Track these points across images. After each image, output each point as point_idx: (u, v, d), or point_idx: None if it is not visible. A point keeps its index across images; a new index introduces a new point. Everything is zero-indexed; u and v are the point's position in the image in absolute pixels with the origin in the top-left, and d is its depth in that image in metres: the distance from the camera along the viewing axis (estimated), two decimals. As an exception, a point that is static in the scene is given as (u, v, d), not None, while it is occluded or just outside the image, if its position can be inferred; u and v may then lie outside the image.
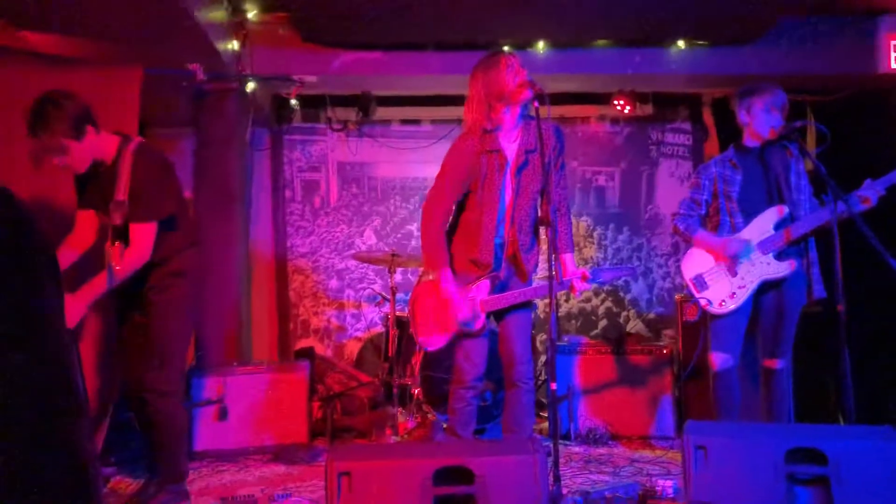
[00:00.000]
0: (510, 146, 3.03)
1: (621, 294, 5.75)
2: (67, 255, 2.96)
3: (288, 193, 5.67)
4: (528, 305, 3.14)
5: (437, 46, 4.71)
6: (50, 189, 3.37)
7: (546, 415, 4.48)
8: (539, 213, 3.13)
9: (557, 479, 2.58)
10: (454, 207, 3.10)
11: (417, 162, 5.64)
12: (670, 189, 5.73)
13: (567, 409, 4.23)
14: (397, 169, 5.70)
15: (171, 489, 3.02)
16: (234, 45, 4.53)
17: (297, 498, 3.01)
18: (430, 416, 4.25)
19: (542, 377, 4.79)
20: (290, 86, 4.73)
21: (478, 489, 2.26)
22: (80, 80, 3.20)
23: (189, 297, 3.07)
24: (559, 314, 5.60)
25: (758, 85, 3.37)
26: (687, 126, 5.78)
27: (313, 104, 5.48)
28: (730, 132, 4.61)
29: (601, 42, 4.77)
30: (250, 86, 4.66)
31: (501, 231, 3.08)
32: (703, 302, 3.36)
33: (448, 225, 3.11)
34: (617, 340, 4.50)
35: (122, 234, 2.83)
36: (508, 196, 3.05)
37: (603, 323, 5.72)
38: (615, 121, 5.76)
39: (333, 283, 5.65)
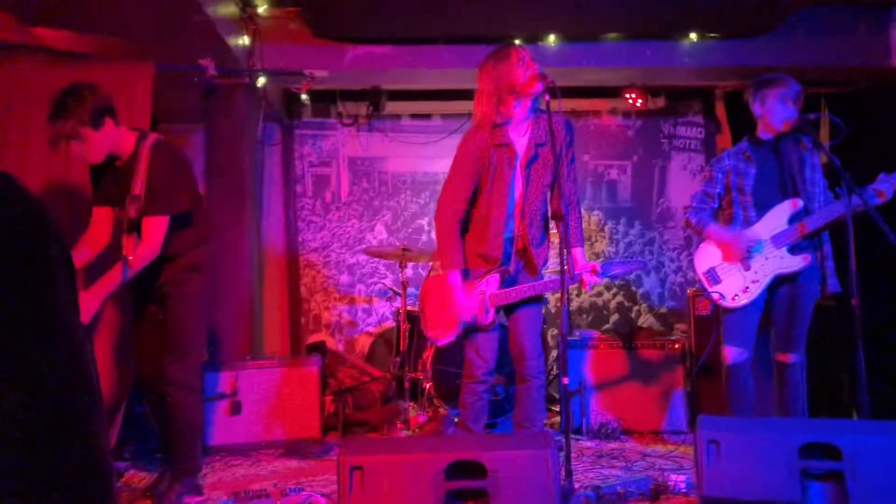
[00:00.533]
0: (520, 140, 3.02)
1: (633, 288, 5.73)
2: (83, 252, 2.98)
3: (299, 188, 5.68)
4: (538, 300, 3.13)
5: (448, 40, 4.69)
6: (65, 182, 3.39)
7: (557, 409, 4.47)
8: (550, 208, 3.12)
9: (569, 473, 2.58)
10: (468, 203, 3.09)
11: (428, 156, 5.64)
12: (682, 182, 5.70)
13: (579, 403, 4.22)
14: (408, 163, 5.69)
15: (185, 482, 3.04)
16: (245, 40, 4.54)
17: (309, 492, 3.02)
18: (441, 410, 4.25)
19: (554, 372, 4.78)
20: (301, 81, 4.73)
21: (490, 483, 2.26)
22: (94, 76, 3.20)
23: (204, 291, 3.10)
24: (570, 308, 5.58)
25: (772, 76, 3.34)
26: (699, 119, 5.74)
27: (324, 99, 5.49)
28: (742, 125, 4.58)
29: (613, 35, 4.73)
30: (261, 81, 4.66)
31: (511, 225, 3.07)
32: (715, 296, 3.34)
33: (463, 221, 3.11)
34: (629, 335, 4.48)
35: (137, 228, 2.86)
36: (518, 190, 3.04)
37: (615, 317, 5.70)
38: (627, 114, 5.73)
39: (344, 277, 5.66)
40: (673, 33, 4.72)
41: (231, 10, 4.29)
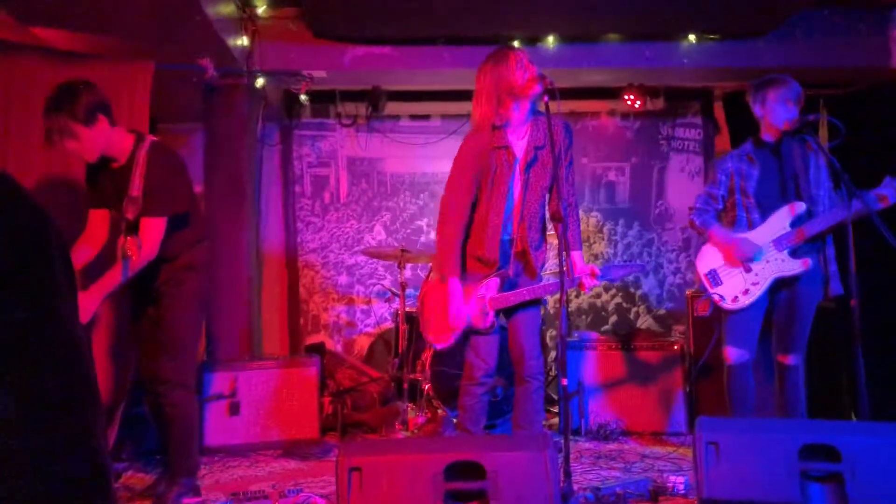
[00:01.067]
0: (519, 143, 3.02)
1: (632, 290, 5.73)
2: (82, 253, 3.00)
3: (298, 189, 5.68)
4: (537, 302, 3.13)
5: (448, 41, 4.69)
6: (63, 181, 3.38)
7: (556, 410, 4.47)
8: (548, 210, 3.12)
9: (568, 474, 2.58)
10: (471, 206, 3.08)
11: (427, 157, 5.63)
12: (681, 184, 5.70)
13: (577, 404, 4.22)
14: (407, 164, 5.69)
15: (183, 483, 3.03)
16: (244, 40, 4.54)
17: (308, 493, 3.01)
18: (440, 411, 4.25)
19: (553, 373, 4.78)
20: (300, 81, 4.73)
21: (489, 485, 2.26)
22: (93, 75, 3.20)
23: (200, 292, 3.11)
24: (569, 310, 5.58)
25: (772, 77, 3.34)
26: (698, 121, 5.74)
27: (323, 99, 5.48)
28: (741, 127, 4.58)
29: (612, 36, 4.74)
30: (260, 81, 4.66)
31: (510, 228, 3.06)
32: (716, 297, 3.34)
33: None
34: (627, 336, 4.49)
35: (135, 230, 2.87)
36: (517, 193, 3.04)
37: (613, 318, 5.70)
38: (626, 115, 5.73)
39: (343, 278, 5.65)
40: (672, 34, 4.72)
41: (230, 10, 4.29)
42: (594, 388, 4.28)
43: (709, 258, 3.42)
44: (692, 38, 4.71)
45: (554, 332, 5.13)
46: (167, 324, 3.00)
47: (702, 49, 4.77)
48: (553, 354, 4.92)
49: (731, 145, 4.97)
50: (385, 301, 5.52)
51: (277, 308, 5.57)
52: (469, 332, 3.09)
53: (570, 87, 5.06)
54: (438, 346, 3.20)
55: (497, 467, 2.27)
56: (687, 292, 4.56)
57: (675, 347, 4.30)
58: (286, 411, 4.06)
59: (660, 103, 5.47)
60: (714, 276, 3.37)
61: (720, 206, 3.46)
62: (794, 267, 3.23)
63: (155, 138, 3.01)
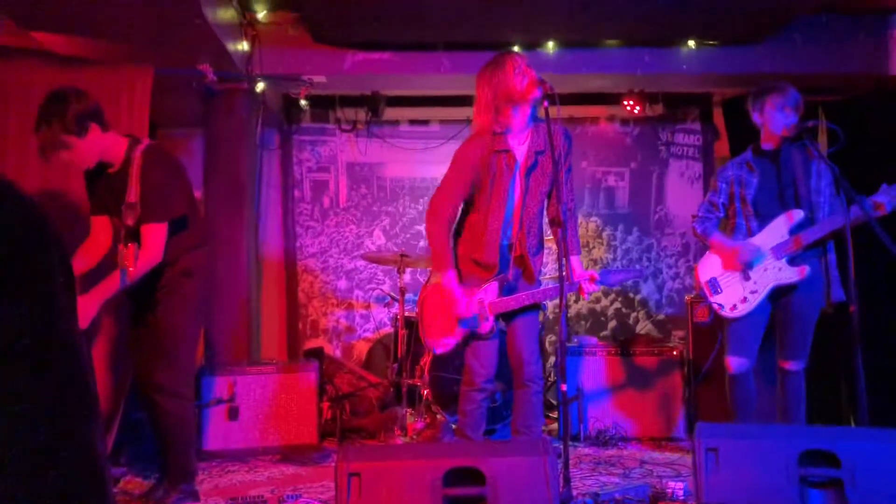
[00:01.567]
0: (519, 148, 3.01)
1: (631, 295, 5.73)
2: (84, 260, 2.98)
3: (297, 193, 5.68)
4: (536, 307, 3.13)
5: (447, 46, 4.70)
6: (62, 186, 3.38)
7: (555, 416, 4.46)
8: (547, 215, 3.12)
9: (567, 480, 2.57)
10: (461, 208, 3.09)
11: (426, 162, 5.64)
12: (680, 190, 5.70)
13: (577, 410, 4.21)
14: (406, 169, 5.70)
15: (181, 489, 3.02)
16: (244, 45, 4.55)
17: (307, 499, 3.01)
18: (439, 416, 4.24)
19: (552, 378, 4.78)
20: (300, 86, 4.74)
21: (488, 490, 2.25)
22: (92, 79, 3.22)
23: (197, 297, 3.08)
24: (569, 315, 5.58)
25: (769, 85, 3.35)
26: (697, 126, 5.75)
27: (323, 104, 5.49)
28: (740, 133, 4.58)
29: (611, 42, 4.75)
30: (260, 86, 4.67)
31: (509, 232, 3.06)
32: (715, 306, 3.35)
33: (454, 226, 3.10)
34: (627, 341, 4.48)
35: (135, 236, 2.85)
36: (517, 197, 3.03)
37: (612, 324, 5.70)
38: (625, 121, 5.74)
39: (342, 283, 5.65)
40: (671, 40, 4.73)
41: (230, 15, 4.30)
42: (593, 393, 4.27)
43: (709, 266, 3.43)
44: (691, 44, 4.73)
45: (553, 338, 5.13)
46: (163, 331, 2.98)
47: (701, 55, 4.78)
48: (552, 360, 4.92)
49: (731, 151, 4.98)
50: (384, 306, 5.51)
51: (276, 313, 5.57)
52: (469, 338, 3.09)
53: (569, 92, 5.07)
54: (437, 351, 3.19)
55: (496, 473, 2.26)
56: (686, 298, 4.56)
57: (675, 353, 4.30)
58: (285, 416, 4.05)
59: (659, 109, 5.48)
60: (714, 285, 3.37)
61: (721, 214, 3.47)
62: (791, 275, 3.23)
63: (150, 141, 2.99)
